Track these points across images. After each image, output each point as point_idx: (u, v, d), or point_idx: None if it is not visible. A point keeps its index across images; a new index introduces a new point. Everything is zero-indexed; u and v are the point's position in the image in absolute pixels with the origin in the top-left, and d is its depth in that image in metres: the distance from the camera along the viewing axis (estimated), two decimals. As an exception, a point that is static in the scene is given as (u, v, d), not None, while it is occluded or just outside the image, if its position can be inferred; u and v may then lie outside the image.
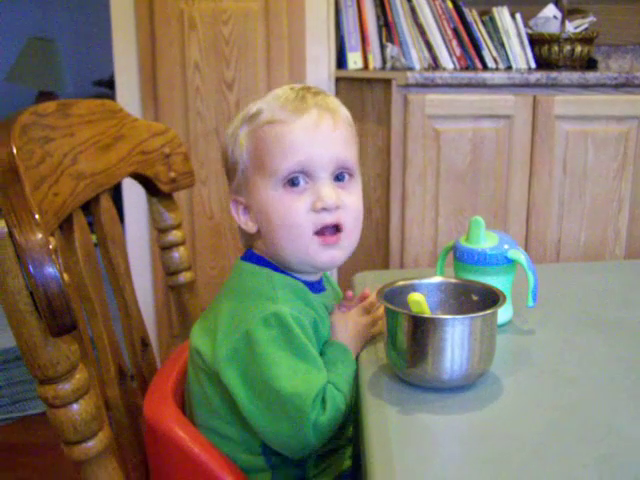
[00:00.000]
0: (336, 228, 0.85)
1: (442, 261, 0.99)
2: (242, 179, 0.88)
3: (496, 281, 0.86)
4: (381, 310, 0.91)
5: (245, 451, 0.87)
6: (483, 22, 2.14)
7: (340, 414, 0.81)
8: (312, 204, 0.83)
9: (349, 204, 0.86)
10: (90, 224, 0.90)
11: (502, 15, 2.13)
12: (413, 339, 0.73)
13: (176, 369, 0.97)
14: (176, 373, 0.96)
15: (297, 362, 0.80)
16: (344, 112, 0.89)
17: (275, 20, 2.06)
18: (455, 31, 2.12)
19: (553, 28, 2.14)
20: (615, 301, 1.01)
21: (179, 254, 1.11)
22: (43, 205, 0.71)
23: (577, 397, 0.72)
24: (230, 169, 0.90)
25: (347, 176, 0.87)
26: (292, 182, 0.83)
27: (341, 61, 2.16)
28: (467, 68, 2.13)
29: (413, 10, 2.11)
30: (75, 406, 0.70)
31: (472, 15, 2.13)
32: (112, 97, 1.99)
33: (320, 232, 0.84)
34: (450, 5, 2.12)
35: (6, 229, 0.62)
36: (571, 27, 2.14)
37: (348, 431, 0.94)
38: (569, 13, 2.15)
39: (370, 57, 2.12)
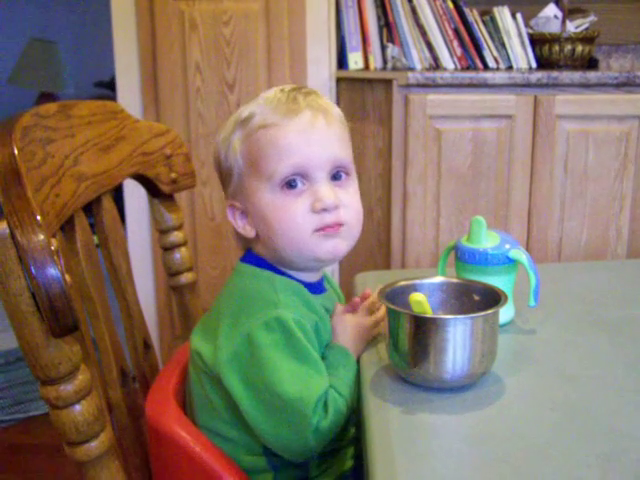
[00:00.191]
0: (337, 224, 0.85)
1: (443, 261, 0.99)
2: (238, 184, 0.87)
3: (497, 281, 0.86)
4: (382, 311, 0.91)
5: (247, 452, 0.87)
6: (484, 22, 2.14)
7: (341, 418, 0.81)
8: (311, 205, 0.83)
9: (348, 203, 0.85)
10: (92, 225, 0.90)
11: (503, 15, 2.13)
12: (415, 339, 0.73)
13: (178, 370, 0.97)
14: (178, 374, 0.96)
15: (299, 366, 0.80)
16: (336, 111, 0.88)
17: (276, 21, 2.06)
18: (456, 31, 2.12)
19: (554, 28, 2.14)
20: (617, 300, 1.01)
21: (180, 255, 1.11)
22: (45, 206, 0.71)
23: (579, 396, 0.72)
24: (224, 174, 0.89)
25: (344, 175, 0.86)
26: (289, 184, 0.83)
27: (342, 61, 2.16)
28: (468, 68, 2.13)
29: (414, 10, 2.11)
30: (77, 407, 0.70)
31: (473, 15, 2.13)
32: (113, 98, 1.99)
33: (320, 229, 0.84)
34: (451, 5, 2.12)
35: (8, 230, 0.62)
36: (572, 27, 2.14)
37: (350, 432, 0.94)
38: (570, 12, 2.14)
39: (371, 57, 2.12)
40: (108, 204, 0.95)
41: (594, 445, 0.63)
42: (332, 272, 2.18)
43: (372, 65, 2.12)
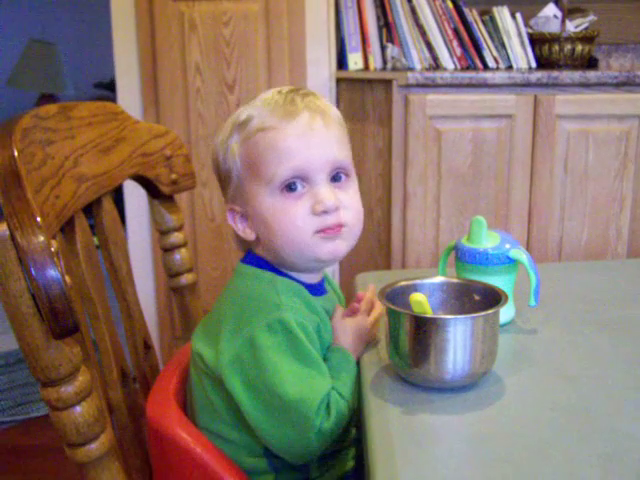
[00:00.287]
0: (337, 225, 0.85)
1: (444, 261, 0.99)
2: (237, 188, 0.87)
3: (498, 281, 0.86)
4: (379, 308, 0.92)
5: (248, 454, 0.87)
6: (483, 22, 2.14)
7: (343, 420, 0.81)
8: (312, 208, 0.82)
9: (348, 204, 0.85)
10: (92, 226, 0.90)
11: (502, 15, 2.13)
12: (415, 339, 0.73)
13: (178, 371, 0.97)
14: (178, 375, 0.96)
15: (301, 368, 0.80)
16: (335, 112, 0.88)
17: (275, 21, 2.06)
18: (455, 31, 2.12)
19: (553, 27, 2.14)
20: (618, 300, 1.01)
21: (181, 256, 1.11)
22: (45, 207, 0.71)
23: (580, 396, 0.72)
24: (223, 177, 0.89)
25: (344, 176, 0.86)
26: (289, 187, 0.83)
27: (342, 62, 2.16)
28: (468, 68, 2.13)
29: (413, 10, 2.11)
30: (78, 408, 0.70)
31: (472, 15, 2.13)
32: (113, 99, 1.99)
33: (321, 230, 0.84)
34: (450, 5, 2.12)
35: (8, 232, 0.62)
36: (571, 26, 2.14)
37: (351, 434, 0.94)
38: (569, 12, 2.14)
39: (371, 58, 2.12)
40: (108, 205, 0.95)
41: (595, 445, 0.63)
42: (332, 273, 2.18)
43: (372, 65, 2.12)
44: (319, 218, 0.83)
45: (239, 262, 0.91)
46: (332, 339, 0.88)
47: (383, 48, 2.13)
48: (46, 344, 0.66)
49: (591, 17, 2.17)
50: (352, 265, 2.09)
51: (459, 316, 0.75)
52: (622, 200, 1.91)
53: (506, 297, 0.77)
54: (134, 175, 1.00)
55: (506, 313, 0.91)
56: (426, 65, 2.12)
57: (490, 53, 2.12)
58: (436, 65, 2.13)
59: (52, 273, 0.62)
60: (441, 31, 2.11)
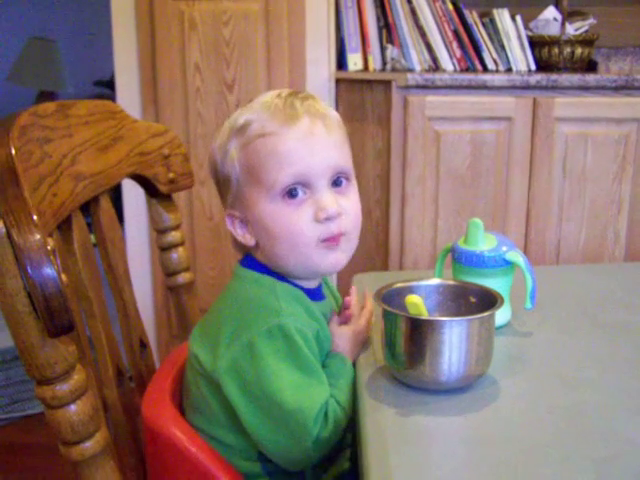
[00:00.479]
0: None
1: (441, 263, 0.99)
2: (236, 193, 0.85)
3: (494, 283, 0.86)
4: (370, 306, 0.92)
5: (242, 457, 0.87)
6: (483, 24, 2.14)
7: (341, 428, 0.80)
8: (314, 215, 0.81)
9: (349, 209, 0.84)
10: (89, 225, 0.90)
11: (502, 17, 2.13)
12: (411, 341, 0.73)
13: (174, 370, 0.97)
14: (174, 374, 0.96)
15: (300, 376, 0.79)
16: (334, 115, 0.86)
17: (275, 21, 2.06)
18: (455, 33, 2.12)
19: (553, 30, 2.14)
20: (614, 303, 1.01)
21: (178, 255, 1.10)
22: (42, 206, 0.71)
23: (575, 399, 0.72)
24: (221, 182, 0.87)
25: (344, 181, 0.85)
26: (290, 194, 0.81)
27: (341, 62, 2.16)
28: (467, 70, 2.13)
29: (413, 12, 2.11)
30: (73, 407, 0.70)
31: (472, 17, 2.13)
32: (112, 97, 1.99)
33: (325, 239, 0.83)
34: (450, 7, 2.12)
35: (4, 230, 0.62)
36: (571, 29, 2.14)
37: (347, 439, 0.93)
38: (569, 15, 2.15)
39: (370, 58, 2.12)
40: (106, 204, 0.95)
41: (591, 448, 0.63)
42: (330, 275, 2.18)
43: (371, 66, 2.12)
44: (322, 225, 0.82)
45: (238, 264, 0.90)
46: (330, 345, 0.88)
47: (383, 49, 2.13)
48: (41, 342, 0.66)
49: (591, 20, 2.17)
50: (349, 266, 2.09)
51: (455, 318, 0.74)
52: (620, 203, 1.92)
53: (502, 299, 0.77)
54: (132, 174, 1.00)
55: (502, 315, 0.91)
56: (426, 66, 2.12)
57: (490, 55, 2.13)
58: (436, 66, 2.13)
59: (48, 271, 0.62)
60: (441, 33, 2.11)
